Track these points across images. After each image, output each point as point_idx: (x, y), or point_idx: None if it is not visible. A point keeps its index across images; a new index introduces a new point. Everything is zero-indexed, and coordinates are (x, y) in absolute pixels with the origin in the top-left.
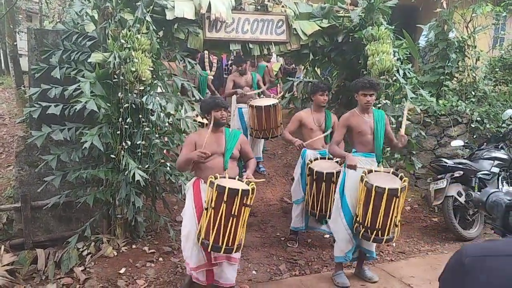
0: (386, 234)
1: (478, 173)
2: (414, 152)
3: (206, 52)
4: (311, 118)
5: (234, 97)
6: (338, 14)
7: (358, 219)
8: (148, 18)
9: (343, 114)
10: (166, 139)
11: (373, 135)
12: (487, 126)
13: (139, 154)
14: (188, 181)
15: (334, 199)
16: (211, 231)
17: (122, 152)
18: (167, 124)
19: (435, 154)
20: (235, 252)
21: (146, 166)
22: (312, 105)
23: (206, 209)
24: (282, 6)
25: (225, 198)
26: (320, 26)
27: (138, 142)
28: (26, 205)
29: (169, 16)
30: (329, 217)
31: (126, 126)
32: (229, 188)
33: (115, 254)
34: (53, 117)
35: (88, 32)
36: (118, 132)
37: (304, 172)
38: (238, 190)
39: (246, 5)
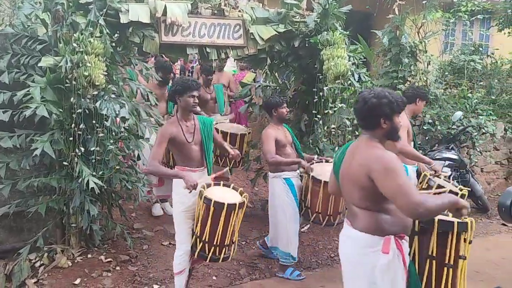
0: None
1: None
2: None
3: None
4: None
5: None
6: (294, 19)
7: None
8: (101, 22)
9: (300, 119)
10: (122, 144)
11: None
12: (439, 127)
13: (93, 160)
14: (144, 187)
15: None
16: None
17: (76, 159)
18: (122, 129)
19: None
20: None
21: (101, 172)
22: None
23: None
24: (239, 11)
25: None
26: (277, 31)
27: (92, 149)
28: None
29: (123, 19)
30: None
31: (79, 132)
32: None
33: (70, 264)
34: (1, 124)
35: (39, 36)
36: (71, 138)
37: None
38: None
39: (202, 9)
